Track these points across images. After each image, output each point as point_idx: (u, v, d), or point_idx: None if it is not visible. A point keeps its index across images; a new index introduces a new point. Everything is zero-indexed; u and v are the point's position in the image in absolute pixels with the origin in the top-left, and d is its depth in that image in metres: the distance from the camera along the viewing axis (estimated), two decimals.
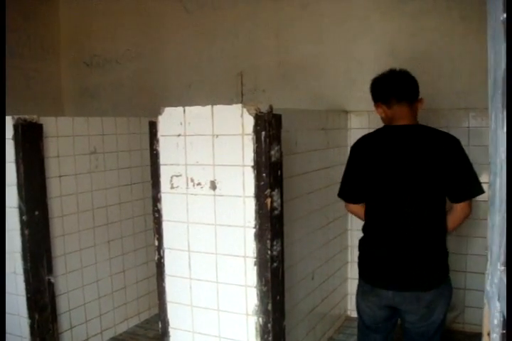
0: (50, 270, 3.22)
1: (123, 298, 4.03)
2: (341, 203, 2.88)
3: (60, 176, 3.36)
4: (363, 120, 3.92)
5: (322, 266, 3.59)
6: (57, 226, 3.34)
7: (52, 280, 3.24)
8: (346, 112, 4.00)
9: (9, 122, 3.00)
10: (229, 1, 4.37)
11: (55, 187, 3.31)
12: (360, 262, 2.68)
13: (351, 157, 2.66)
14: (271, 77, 4.31)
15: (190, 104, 2.39)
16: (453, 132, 2.71)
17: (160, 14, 4.73)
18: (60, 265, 3.40)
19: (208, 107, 2.28)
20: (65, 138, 3.39)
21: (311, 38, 4.15)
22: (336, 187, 2.78)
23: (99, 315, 3.82)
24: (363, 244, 2.67)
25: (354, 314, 3.38)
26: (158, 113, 2.44)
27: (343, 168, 2.74)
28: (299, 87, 4.21)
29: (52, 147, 3.27)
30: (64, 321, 3.48)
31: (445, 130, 2.63)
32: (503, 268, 1.12)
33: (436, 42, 3.72)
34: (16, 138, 3.00)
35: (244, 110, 2.19)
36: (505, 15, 0.98)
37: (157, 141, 2.42)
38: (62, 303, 3.45)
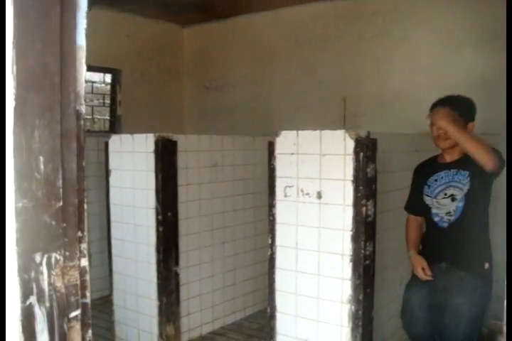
0: (176, 262, 3.87)
1: (232, 293, 4.62)
2: None
3: (187, 184, 4.00)
4: None
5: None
6: (183, 227, 3.98)
7: (178, 271, 3.88)
8: None
9: (150, 138, 3.69)
10: (334, 35, 4.91)
11: (183, 194, 3.95)
12: None
13: None
14: (371, 103, 4.80)
15: (298, 126, 2.93)
16: None
17: (272, 45, 5.35)
18: (183, 259, 4.03)
19: (317, 132, 2.82)
20: (192, 153, 4.03)
21: (408, 68, 4.60)
22: None
23: (211, 305, 4.42)
24: None
25: None
26: (275, 134, 3.00)
27: None
28: (396, 112, 4.67)
29: (182, 160, 3.92)
30: (184, 307, 4.10)
31: None
32: None
33: None
34: (156, 151, 3.67)
35: (347, 135, 2.71)
36: None
37: (274, 157, 2.98)
38: (183, 292, 4.07)
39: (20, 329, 1.12)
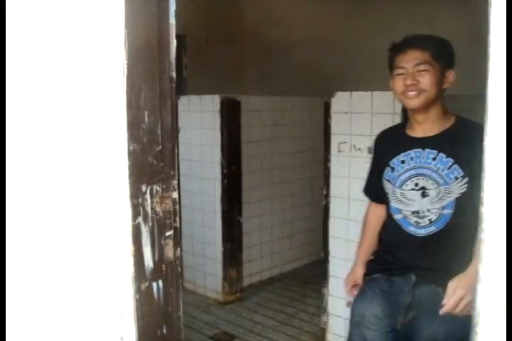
0: (239, 212, 4.25)
1: (290, 243, 5.00)
2: None
3: (248, 142, 4.34)
4: None
5: None
6: (246, 180, 4.34)
7: (240, 220, 4.27)
8: None
9: (216, 99, 4.03)
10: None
11: (245, 150, 4.29)
12: None
13: None
14: None
15: (353, 87, 3.20)
16: None
17: (330, 7, 5.53)
18: (245, 210, 4.40)
19: (368, 92, 3.08)
20: (254, 112, 4.35)
21: (467, 32, 4.72)
22: None
23: (270, 254, 4.81)
24: None
25: None
26: (331, 95, 3.27)
27: None
28: None
29: (245, 119, 4.25)
30: (245, 254, 4.50)
31: None
32: None
33: None
34: (221, 111, 4.01)
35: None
36: None
37: (330, 116, 3.26)
38: (245, 240, 4.46)
39: (131, 241, 1.49)
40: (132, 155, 1.44)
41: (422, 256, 2.10)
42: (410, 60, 2.02)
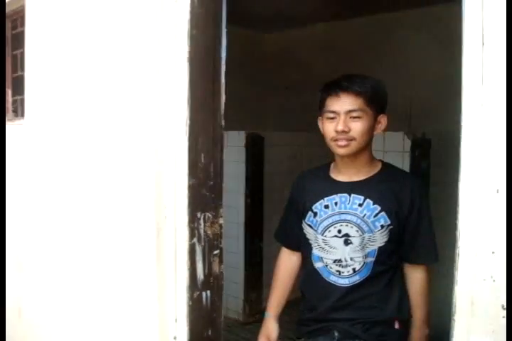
0: (261, 239, 4.60)
1: None
2: None
3: (270, 174, 4.69)
4: None
5: None
6: (267, 209, 4.67)
7: (261, 246, 4.62)
8: None
9: (242, 135, 4.42)
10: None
11: (267, 181, 4.64)
12: None
13: None
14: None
15: None
16: None
17: (346, 50, 5.93)
18: (266, 237, 4.69)
19: (381, 132, 3.45)
20: (275, 147, 4.73)
21: None
22: None
23: None
24: None
25: None
26: None
27: None
28: None
29: (267, 152, 4.61)
30: (265, 279, 4.78)
31: None
32: None
33: None
34: (246, 145, 4.40)
35: (405, 136, 3.32)
36: None
37: None
38: (265, 265, 4.73)
39: (187, 257, 1.85)
40: (191, 188, 1.81)
41: (345, 307, 1.92)
42: (343, 105, 1.84)
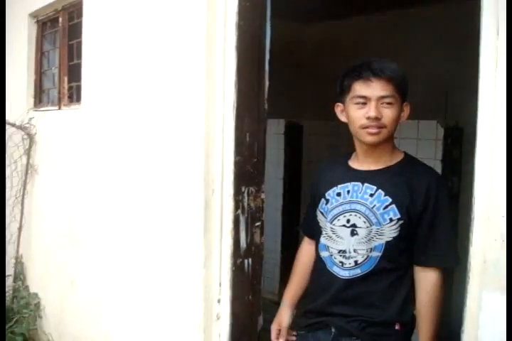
0: (297, 223, 4.78)
1: None
2: None
3: (308, 161, 4.87)
4: None
5: None
6: (304, 195, 4.86)
7: (298, 230, 4.80)
8: None
9: (282, 123, 4.60)
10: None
11: (305, 168, 4.82)
12: None
13: None
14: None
15: None
16: None
17: (383, 44, 6.03)
18: None
19: (415, 121, 3.59)
20: (314, 135, 4.90)
21: None
22: None
23: None
24: None
25: None
26: None
27: None
28: None
29: (305, 140, 4.78)
30: None
31: None
32: None
33: None
34: (285, 133, 4.58)
35: (438, 124, 3.46)
36: None
37: None
38: None
39: (232, 227, 2.05)
40: (237, 164, 2.01)
41: (344, 301, 1.84)
42: (374, 91, 1.74)
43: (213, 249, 2.11)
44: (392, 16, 5.46)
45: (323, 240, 1.88)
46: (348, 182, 1.85)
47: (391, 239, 1.75)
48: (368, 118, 1.71)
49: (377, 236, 1.76)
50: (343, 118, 1.88)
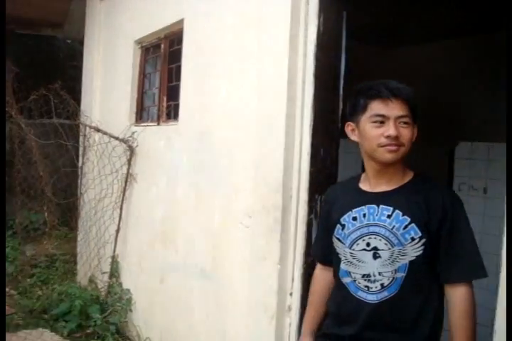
0: None
1: None
2: None
3: None
4: None
5: None
6: None
7: None
8: None
9: None
10: None
11: None
12: None
13: None
14: None
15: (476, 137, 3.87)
16: None
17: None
18: None
19: (487, 143, 3.76)
20: None
21: None
22: None
23: None
24: None
25: None
26: (455, 144, 3.97)
27: None
28: None
29: None
30: None
31: None
32: None
33: None
34: None
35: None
36: None
37: (454, 161, 3.97)
38: None
39: (305, 229, 2.35)
40: (311, 174, 2.32)
41: (374, 325, 1.81)
42: (393, 110, 1.77)
43: (288, 248, 2.41)
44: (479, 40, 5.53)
45: (343, 266, 1.88)
46: (362, 205, 1.86)
47: (414, 258, 1.76)
48: (388, 137, 1.74)
49: (400, 257, 1.77)
50: (354, 137, 1.89)
